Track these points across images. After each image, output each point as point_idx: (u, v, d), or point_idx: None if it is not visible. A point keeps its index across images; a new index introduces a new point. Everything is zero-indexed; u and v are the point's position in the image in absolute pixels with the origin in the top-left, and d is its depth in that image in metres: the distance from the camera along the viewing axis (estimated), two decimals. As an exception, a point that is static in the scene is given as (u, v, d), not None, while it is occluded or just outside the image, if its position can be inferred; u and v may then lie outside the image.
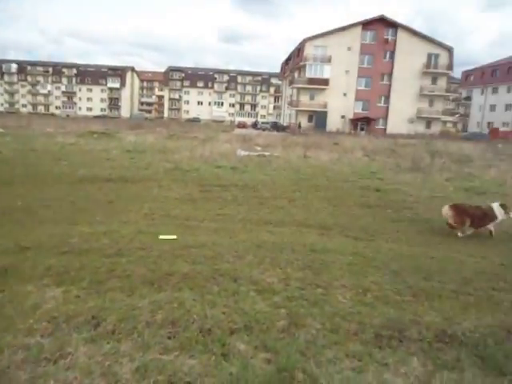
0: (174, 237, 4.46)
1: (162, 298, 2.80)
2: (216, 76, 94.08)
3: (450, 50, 44.60)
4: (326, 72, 45.13)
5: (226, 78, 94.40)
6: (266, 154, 13.66)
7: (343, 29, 45.15)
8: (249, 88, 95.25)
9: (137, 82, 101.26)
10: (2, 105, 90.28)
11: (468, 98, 61.05)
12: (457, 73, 60.74)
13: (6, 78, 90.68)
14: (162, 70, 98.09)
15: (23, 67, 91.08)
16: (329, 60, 45.13)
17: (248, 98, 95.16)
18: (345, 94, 45.77)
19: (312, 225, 5.27)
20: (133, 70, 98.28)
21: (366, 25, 44.93)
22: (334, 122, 44.38)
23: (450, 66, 44.71)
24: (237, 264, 3.55)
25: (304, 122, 45.64)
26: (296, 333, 2.39)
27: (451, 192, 7.86)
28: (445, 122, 53.33)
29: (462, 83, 62.03)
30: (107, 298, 2.80)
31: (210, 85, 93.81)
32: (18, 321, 2.47)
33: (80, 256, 3.72)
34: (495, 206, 5.34)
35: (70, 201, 6.67)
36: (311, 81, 45.44)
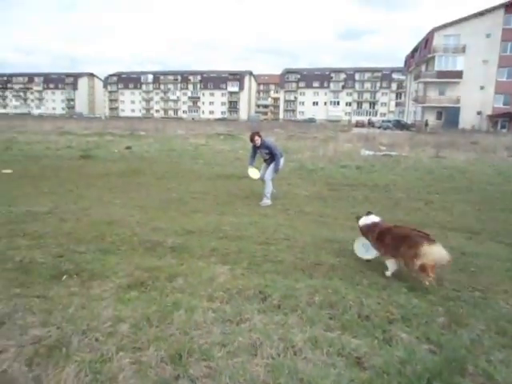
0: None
1: (316, 284, 3.06)
2: (332, 75, 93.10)
3: None
4: (458, 63, 40.83)
5: (342, 76, 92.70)
6: (393, 153, 13.11)
7: (481, 14, 40.14)
8: (367, 85, 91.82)
9: (254, 85, 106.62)
10: (140, 111, 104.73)
11: None
12: None
13: (144, 87, 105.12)
14: (278, 72, 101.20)
15: (157, 77, 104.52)
16: (462, 50, 40.69)
17: (366, 96, 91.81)
18: (482, 88, 40.70)
19: (456, 228, 4.98)
20: (251, 74, 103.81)
21: (511, 7, 39.08)
22: (467, 119, 39.87)
23: None
24: (381, 260, 3.62)
25: (431, 119, 42.09)
26: (458, 331, 2.39)
27: None
28: None
29: None
30: (267, 278, 3.18)
31: (325, 84, 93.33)
32: (200, 288, 2.99)
33: (235, 241, 4.24)
34: None
35: (213, 194, 7.50)
36: (441, 74, 41.62)
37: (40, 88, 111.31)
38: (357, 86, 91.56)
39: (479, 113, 40.78)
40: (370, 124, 49.20)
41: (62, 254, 3.57)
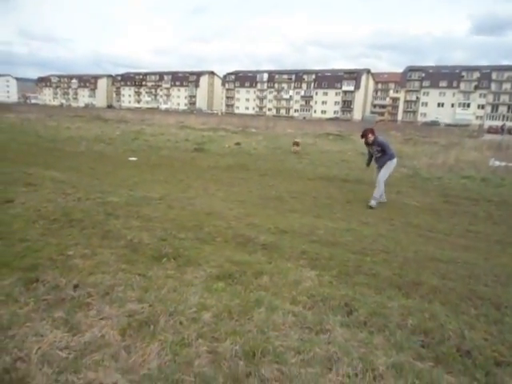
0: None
1: (412, 305, 2.75)
2: (463, 74, 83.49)
3: None
4: None
5: (476, 75, 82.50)
6: (531, 166, 11.20)
7: None
8: (507, 86, 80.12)
9: (371, 84, 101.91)
10: (254, 108, 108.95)
11: None
12: None
13: (259, 85, 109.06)
14: (400, 70, 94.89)
15: (272, 76, 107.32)
16: None
17: (504, 98, 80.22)
18: None
19: None
20: (368, 72, 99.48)
21: None
22: None
23: None
24: (498, 290, 3.10)
25: None
26: None
27: None
28: None
29: None
30: (356, 290, 2.98)
31: (454, 84, 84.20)
32: (284, 290, 2.95)
33: (328, 247, 4.09)
34: None
35: (312, 196, 7.40)
36: None
37: (168, 85, 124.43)
38: (493, 86, 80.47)
39: None
40: (504, 130, 42.63)
41: (165, 238, 3.89)
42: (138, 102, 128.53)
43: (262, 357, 2.08)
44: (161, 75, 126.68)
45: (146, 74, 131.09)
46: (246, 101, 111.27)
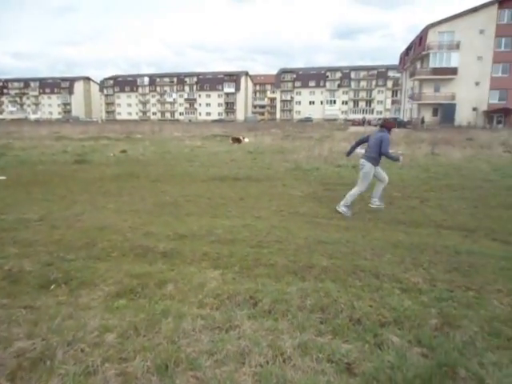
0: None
1: (308, 287, 3.02)
2: (328, 74, 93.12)
3: None
4: (453, 60, 40.92)
5: (338, 75, 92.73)
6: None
7: (475, 10, 40.30)
8: (363, 83, 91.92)
9: (250, 85, 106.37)
10: (137, 114, 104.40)
11: None
12: None
13: (140, 90, 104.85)
14: (274, 72, 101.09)
15: (153, 79, 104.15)
16: (457, 46, 40.83)
17: (362, 94, 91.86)
18: (477, 84, 40.82)
19: (451, 226, 4.96)
20: (246, 74, 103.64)
21: (504, 2, 39.23)
22: (463, 116, 39.99)
23: None
24: (376, 261, 3.59)
25: (428, 116, 42.12)
26: (450, 333, 2.36)
27: None
28: None
29: None
30: (258, 282, 3.13)
31: (321, 83, 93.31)
32: (190, 295, 2.95)
33: (227, 245, 4.19)
34: None
35: (207, 197, 7.43)
36: (436, 71, 41.71)
37: (36, 93, 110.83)
38: (353, 84, 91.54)
39: (475, 109, 40.83)
40: (365, 122, 48.77)
41: (51, 263, 3.52)
42: (1, 112, 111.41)
43: (176, 367, 2.06)
44: (26, 82, 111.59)
45: (6, 81, 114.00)
46: (127, 106, 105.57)
